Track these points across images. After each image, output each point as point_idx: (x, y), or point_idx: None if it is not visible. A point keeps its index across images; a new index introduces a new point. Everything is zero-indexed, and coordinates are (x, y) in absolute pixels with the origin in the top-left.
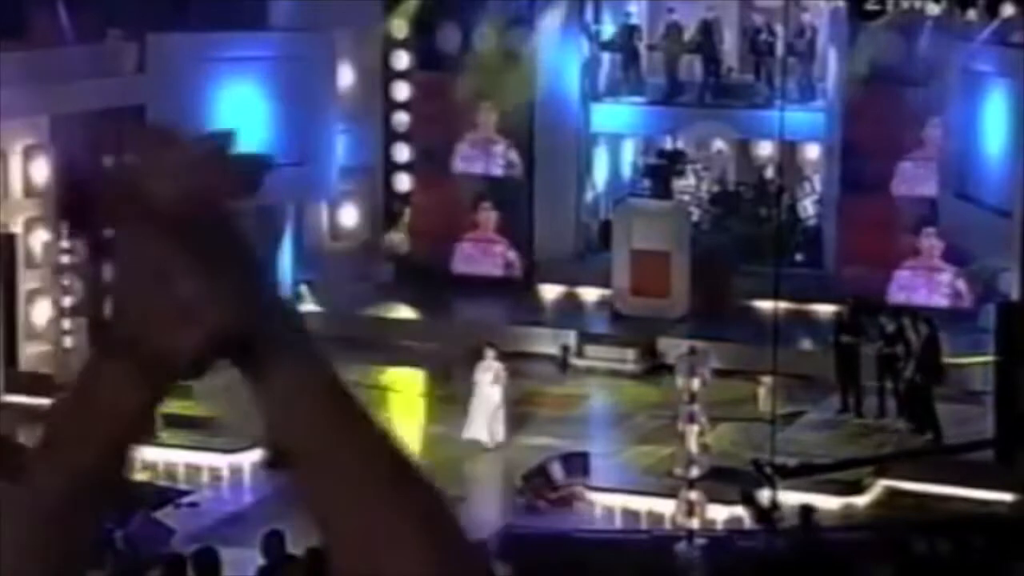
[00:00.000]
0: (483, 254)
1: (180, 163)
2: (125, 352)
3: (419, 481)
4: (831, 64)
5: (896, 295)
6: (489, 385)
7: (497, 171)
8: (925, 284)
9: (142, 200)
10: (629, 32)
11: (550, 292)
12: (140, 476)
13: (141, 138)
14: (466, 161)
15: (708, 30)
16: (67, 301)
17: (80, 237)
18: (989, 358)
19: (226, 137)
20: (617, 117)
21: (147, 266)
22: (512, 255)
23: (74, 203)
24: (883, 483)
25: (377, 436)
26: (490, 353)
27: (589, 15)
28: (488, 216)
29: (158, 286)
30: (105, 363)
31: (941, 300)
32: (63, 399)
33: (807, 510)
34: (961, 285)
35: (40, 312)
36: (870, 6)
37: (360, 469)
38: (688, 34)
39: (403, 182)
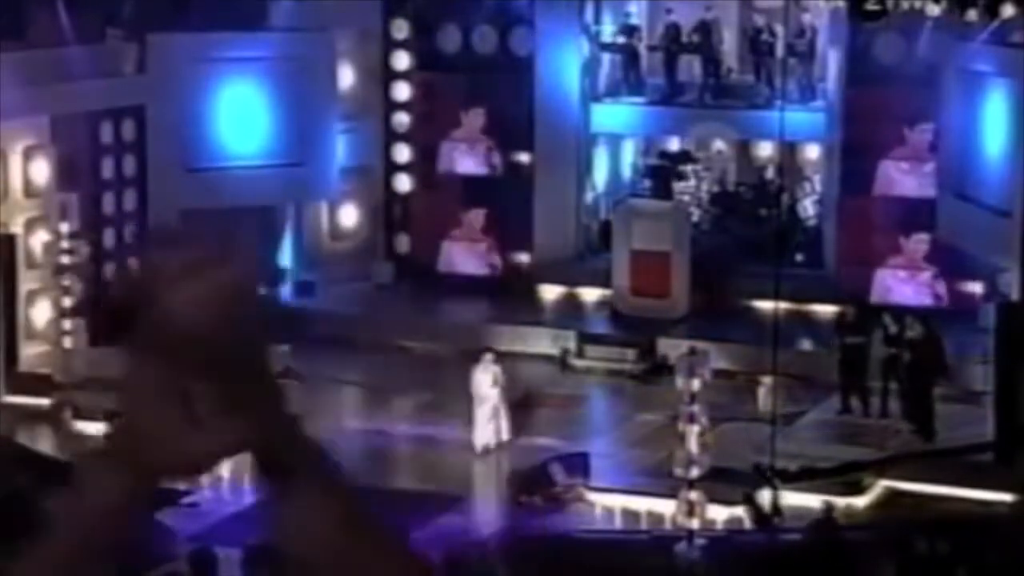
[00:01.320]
0: (468, 253)
1: (206, 285)
2: (124, 465)
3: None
4: (831, 64)
5: (877, 294)
6: (488, 388)
7: (481, 170)
8: (907, 284)
9: (164, 320)
10: (629, 32)
11: (550, 292)
12: None
13: (168, 255)
14: (452, 161)
15: (706, 30)
16: (67, 301)
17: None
18: (990, 359)
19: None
20: (617, 117)
21: (163, 384)
22: (495, 255)
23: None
24: (883, 483)
25: (389, 545)
26: (488, 356)
27: (589, 15)
28: (474, 216)
29: (170, 406)
30: (100, 472)
31: (924, 300)
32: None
33: (828, 509)
34: (940, 285)
35: (40, 312)
36: (870, 6)
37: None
38: (687, 34)
39: (403, 182)
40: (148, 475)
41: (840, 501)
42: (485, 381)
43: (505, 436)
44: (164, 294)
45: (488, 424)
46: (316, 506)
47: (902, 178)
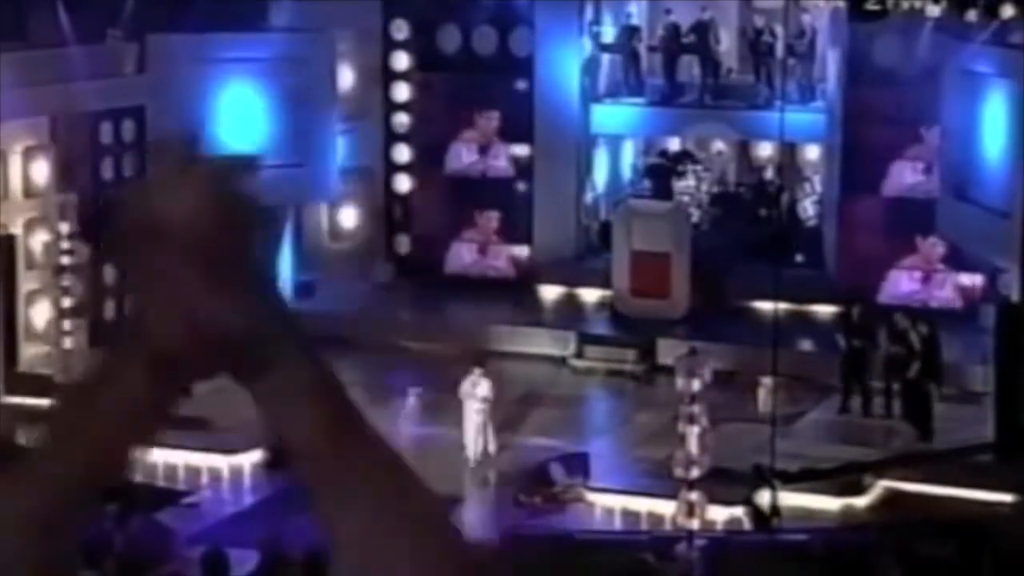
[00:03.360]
0: (479, 255)
1: (196, 181)
2: (139, 349)
3: (417, 486)
4: (831, 65)
5: (890, 295)
6: (477, 400)
7: (492, 172)
8: (915, 285)
9: (156, 216)
10: (629, 33)
11: (550, 293)
12: (139, 478)
13: (160, 153)
14: (462, 162)
15: (703, 30)
16: (67, 302)
17: (86, 240)
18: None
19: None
20: (617, 118)
21: (158, 276)
22: (506, 256)
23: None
24: (883, 484)
25: (375, 440)
26: (477, 369)
27: (589, 16)
28: (486, 217)
29: (169, 294)
30: (117, 359)
31: (930, 301)
32: (69, 393)
33: None
34: (947, 287)
35: (40, 313)
36: (870, 6)
37: (361, 472)
38: (683, 35)
39: (403, 183)
40: (168, 357)
41: (839, 501)
42: (473, 392)
43: (492, 448)
44: (149, 195)
45: (475, 436)
46: (298, 403)
47: (913, 179)
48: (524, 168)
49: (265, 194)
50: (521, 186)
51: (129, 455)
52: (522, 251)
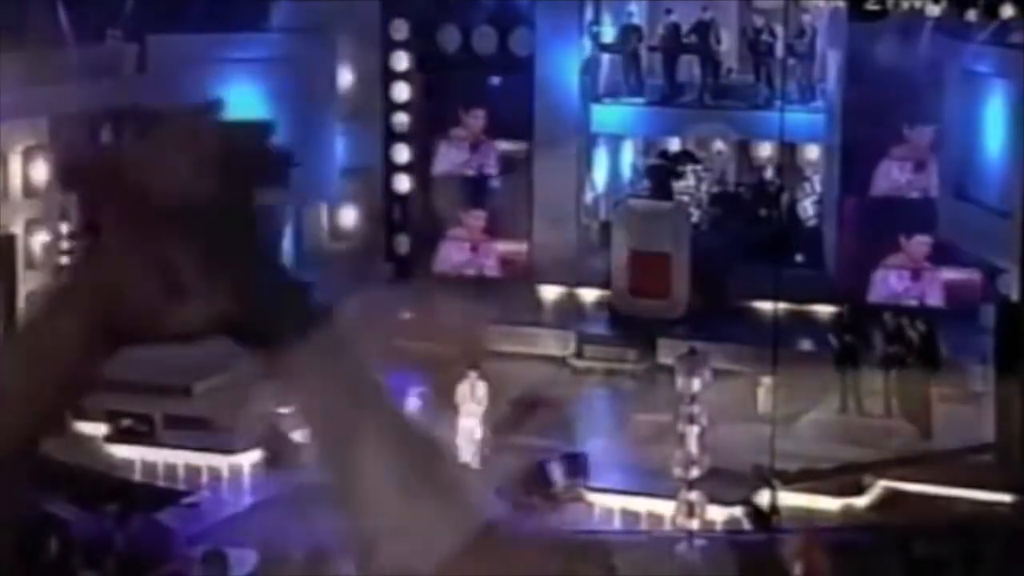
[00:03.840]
0: (467, 253)
1: (201, 142)
2: (85, 308)
3: (440, 455)
4: (831, 64)
5: (879, 294)
6: (475, 403)
7: (481, 171)
8: (908, 283)
9: (142, 188)
10: (629, 33)
11: (550, 292)
12: (140, 477)
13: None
14: (451, 161)
15: (704, 30)
16: None
17: (82, 236)
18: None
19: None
20: (617, 118)
21: (144, 258)
22: (494, 255)
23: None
24: (883, 484)
25: (399, 417)
26: (472, 373)
27: (589, 16)
28: (474, 216)
29: (151, 278)
30: (66, 318)
31: (924, 299)
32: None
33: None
34: (940, 285)
35: None
36: (870, 6)
37: (379, 441)
38: (684, 35)
39: (403, 182)
40: (114, 334)
41: (838, 501)
42: (469, 398)
43: (490, 449)
44: (131, 164)
45: (468, 441)
46: (314, 378)
47: (902, 178)
48: (523, 167)
49: (265, 194)
50: (520, 185)
51: (52, 414)
52: (520, 250)
